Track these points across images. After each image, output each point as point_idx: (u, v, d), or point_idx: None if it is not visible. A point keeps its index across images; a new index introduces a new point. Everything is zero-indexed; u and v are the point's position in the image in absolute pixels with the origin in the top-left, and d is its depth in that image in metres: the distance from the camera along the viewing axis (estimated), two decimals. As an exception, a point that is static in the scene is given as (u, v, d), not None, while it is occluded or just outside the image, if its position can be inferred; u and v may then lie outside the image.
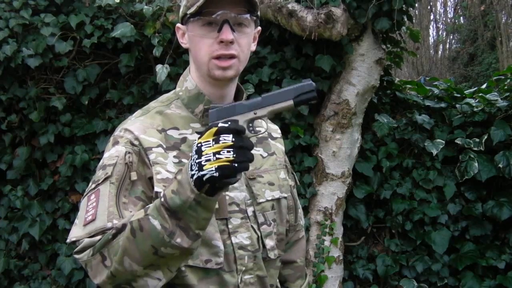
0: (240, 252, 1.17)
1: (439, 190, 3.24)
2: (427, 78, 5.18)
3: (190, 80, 1.22)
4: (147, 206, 0.99)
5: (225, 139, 0.90)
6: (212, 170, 0.89)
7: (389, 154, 3.26)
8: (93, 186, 1.10)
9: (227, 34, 1.10)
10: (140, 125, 1.17)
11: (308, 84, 1.05)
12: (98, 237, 1.02)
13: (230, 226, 1.16)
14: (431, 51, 11.20)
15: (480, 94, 3.38)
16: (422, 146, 3.23)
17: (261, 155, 1.28)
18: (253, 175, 1.23)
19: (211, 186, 0.91)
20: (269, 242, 1.24)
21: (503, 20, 9.71)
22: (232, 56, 1.13)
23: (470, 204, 3.18)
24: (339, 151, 3.10)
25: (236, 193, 1.18)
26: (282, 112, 1.13)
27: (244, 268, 1.18)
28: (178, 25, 1.22)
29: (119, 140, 1.15)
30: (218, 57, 1.13)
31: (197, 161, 0.90)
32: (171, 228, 0.94)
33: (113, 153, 1.13)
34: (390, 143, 3.28)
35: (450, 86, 3.56)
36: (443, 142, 3.20)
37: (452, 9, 11.90)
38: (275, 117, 2.78)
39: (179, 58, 3.12)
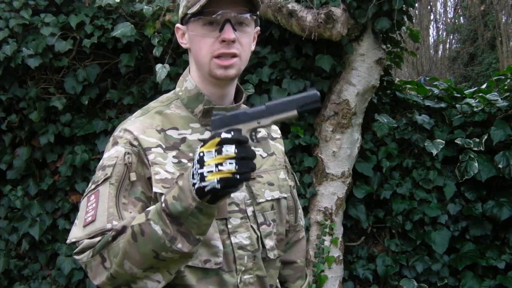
0: (240, 252, 1.17)
1: (439, 190, 3.24)
2: (427, 78, 5.18)
3: (190, 80, 1.22)
4: (147, 209, 0.99)
5: (227, 150, 0.90)
6: (214, 182, 0.89)
7: (389, 154, 3.26)
8: (93, 186, 1.11)
9: (229, 33, 1.10)
10: (139, 125, 1.17)
11: (313, 94, 1.03)
12: (98, 238, 1.02)
13: (229, 226, 1.17)
14: (431, 51, 11.20)
15: (480, 94, 3.38)
16: (422, 146, 3.23)
17: (260, 155, 1.28)
18: (252, 175, 1.23)
19: (213, 196, 0.91)
20: (269, 242, 1.24)
21: (503, 20, 9.71)
22: (233, 55, 1.13)
23: (470, 204, 3.18)
24: (339, 151, 3.10)
25: (236, 193, 1.18)
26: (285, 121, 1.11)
27: (243, 268, 1.18)
28: (178, 25, 1.22)
29: (118, 140, 1.15)
30: (219, 56, 1.13)
31: (199, 171, 0.90)
32: (172, 233, 0.94)
33: (113, 153, 1.13)
34: (390, 143, 3.28)
35: (450, 86, 3.56)
36: (443, 142, 3.20)
37: (452, 9, 11.89)
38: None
39: (179, 58, 3.12)
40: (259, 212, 1.22)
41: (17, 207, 3.22)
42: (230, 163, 0.89)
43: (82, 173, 3.21)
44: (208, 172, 0.89)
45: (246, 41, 1.15)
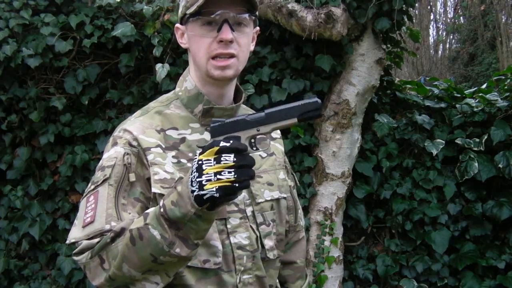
0: (239, 252, 1.17)
1: (439, 190, 3.23)
2: (427, 78, 5.19)
3: (189, 80, 1.22)
4: (146, 212, 0.99)
5: (226, 159, 0.90)
6: (213, 191, 0.89)
7: (389, 154, 3.26)
8: (92, 187, 1.11)
9: (226, 33, 1.10)
10: (139, 125, 1.17)
11: (314, 102, 1.02)
12: (97, 240, 1.02)
13: (229, 226, 1.17)
14: (431, 51, 11.20)
15: (480, 94, 3.37)
16: (422, 146, 3.23)
17: (260, 155, 1.28)
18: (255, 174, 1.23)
19: (212, 203, 0.92)
20: (268, 242, 1.24)
21: (503, 20, 9.71)
22: (231, 56, 1.13)
23: (470, 204, 3.18)
24: (339, 151, 3.10)
25: None
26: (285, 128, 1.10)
27: (242, 268, 1.18)
28: (177, 25, 1.22)
29: (118, 141, 1.15)
30: (217, 57, 1.13)
31: (197, 179, 0.90)
32: (170, 238, 0.94)
33: (112, 154, 1.13)
34: (390, 143, 3.28)
35: (450, 86, 3.56)
36: (443, 142, 3.20)
37: (452, 9, 11.89)
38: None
39: (179, 58, 3.12)
40: (258, 212, 1.22)
41: (17, 207, 3.23)
42: (229, 172, 0.89)
43: (82, 173, 3.22)
44: (207, 180, 0.89)
45: (244, 41, 1.15)
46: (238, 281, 1.17)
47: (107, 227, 1.03)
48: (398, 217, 3.20)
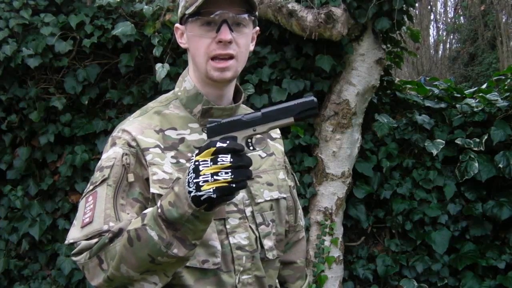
0: (238, 252, 1.17)
1: (439, 190, 3.23)
2: (427, 78, 5.18)
3: (188, 81, 1.22)
4: (144, 213, 0.99)
5: (223, 160, 0.90)
6: (210, 192, 0.89)
7: (389, 154, 3.25)
8: (91, 187, 1.11)
9: (225, 34, 1.10)
10: (138, 126, 1.17)
11: (310, 101, 1.01)
12: (95, 240, 1.02)
13: (228, 226, 1.16)
14: (431, 51, 11.20)
15: (480, 94, 3.37)
16: (422, 146, 3.23)
17: (259, 155, 1.28)
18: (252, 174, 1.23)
19: (209, 204, 0.92)
20: (267, 243, 1.24)
21: (504, 20, 9.71)
22: (230, 57, 1.13)
23: (470, 204, 3.17)
24: (339, 151, 3.10)
25: None
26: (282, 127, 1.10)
27: (242, 269, 1.18)
28: (177, 25, 1.22)
29: (116, 141, 1.15)
30: (216, 58, 1.12)
31: (194, 180, 0.90)
32: (168, 238, 0.94)
33: (111, 154, 1.13)
34: (390, 143, 3.27)
35: (450, 86, 3.56)
36: (443, 142, 3.19)
37: (452, 9, 11.90)
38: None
39: (179, 58, 3.12)
40: (257, 212, 1.22)
41: (17, 207, 3.23)
42: (226, 173, 0.89)
43: (82, 173, 3.22)
44: (204, 181, 0.89)
45: (243, 42, 1.15)
46: (237, 281, 1.17)
47: (105, 227, 1.03)
48: (398, 217, 3.20)
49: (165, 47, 3.03)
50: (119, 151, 1.12)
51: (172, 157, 1.14)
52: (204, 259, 1.12)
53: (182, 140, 1.17)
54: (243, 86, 3.00)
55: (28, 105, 3.13)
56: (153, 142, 1.14)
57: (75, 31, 3.06)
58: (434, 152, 3.16)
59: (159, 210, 0.95)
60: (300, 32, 2.92)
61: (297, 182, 1.45)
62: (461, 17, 11.51)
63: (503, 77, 3.54)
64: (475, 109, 3.28)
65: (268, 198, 1.25)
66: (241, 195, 1.20)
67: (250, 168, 0.93)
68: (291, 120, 1.02)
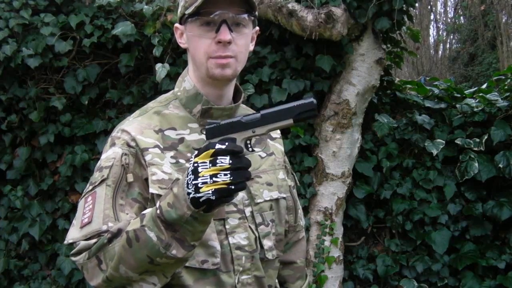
0: (238, 252, 1.17)
1: (439, 190, 3.23)
2: (427, 78, 5.19)
3: (188, 81, 1.22)
4: (143, 213, 0.99)
5: (222, 162, 0.90)
6: (209, 193, 0.89)
7: (389, 154, 3.25)
8: (90, 188, 1.11)
9: (225, 34, 1.09)
10: (137, 126, 1.16)
11: (310, 103, 1.01)
12: (94, 240, 1.02)
13: (227, 227, 1.16)
14: (431, 51, 11.20)
15: (480, 94, 3.37)
16: (422, 146, 3.23)
17: (259, 155, 1.28)
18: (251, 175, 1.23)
19: (208, 206, 0.92)
20: (267, 243, 1.23)
21: (504, 20, 9.71)
22: (230, 57, 1.13)
23: (470, 204, 3.17)
24: (339, 151, 3.10)
25: None
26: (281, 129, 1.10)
27: (241, 269, 1.18)
28: (177, 25, 1.21)
29: (116, 141, 1.15)
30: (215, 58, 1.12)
31: (193, 182, 0.90)
32: (167, 240, 0.94)
33: (110, 154, 1.13)
34: (390, 143, 3.27)
35: (450, 86, 3.55)
36: (443, 142, 3.19)
37: (452, 9, 11.90)
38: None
39: (179, 58, 3.12)
40: (257, 212, 1.22)
41: (17, 207, 3.23)
42: (225, 174, 0.89)
43: (82, 173, 3.22)
44: (203, 183, 0.89)
45: (242, 42, 1.14)
46: (236, 281, 1.17)
47: (104, 227, 1.03)
48: (398, 217, 3.20)
49: (165, 47, 3.03)
50: (118, 151, 1.12)
51: (171, 157, 1.14)
52: (204, 259, 1.12)
53: (181, 140, 1.17)
54: (243, 86, 2.99)
55: (28, 105, 3.13)
56: (153, 142, 1.14)
57: (75, 31, 3.06)
58: (434, 152, 3.16)
59: (158, 211, 0.95)
60: (300, 32, 2.92)
61: (297, 182, 1.45)
62: (461, 17, 11.51)
63: (503, 77, 3.54)
64: (475, 109, 3.28)
65: (268, 198, 1.25)
66: (241, 195, 1.20)
67: (249, 169, 0.93)
68: (290, 121, 1.02)
